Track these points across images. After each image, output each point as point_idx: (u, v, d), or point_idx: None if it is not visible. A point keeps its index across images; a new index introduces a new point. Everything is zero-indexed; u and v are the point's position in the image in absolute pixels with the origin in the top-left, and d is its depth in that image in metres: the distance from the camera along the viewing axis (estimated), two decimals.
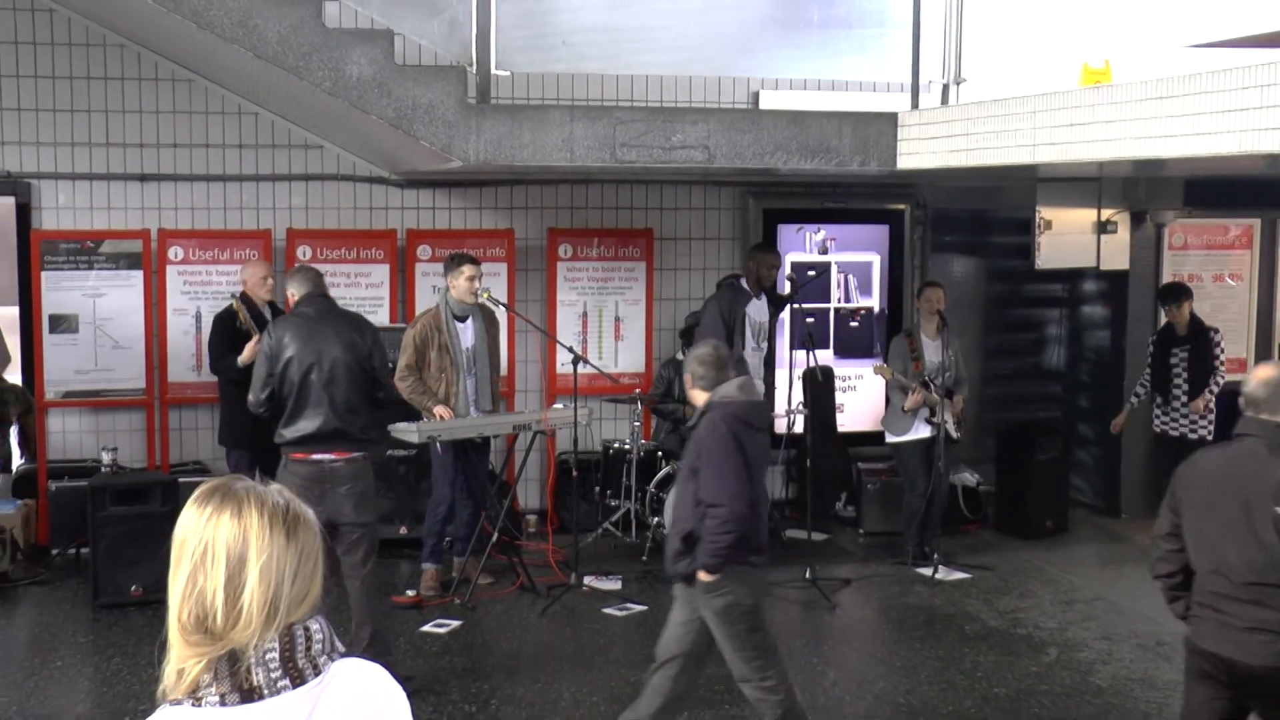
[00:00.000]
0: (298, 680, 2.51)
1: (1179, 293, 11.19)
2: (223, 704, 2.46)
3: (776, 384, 10.64)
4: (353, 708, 2.59)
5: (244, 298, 9.95)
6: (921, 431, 10.61)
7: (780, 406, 10.62)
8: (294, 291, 8.39)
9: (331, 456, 7.99)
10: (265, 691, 2.48)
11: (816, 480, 10.73)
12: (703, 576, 6.34)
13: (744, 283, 10.45)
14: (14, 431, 11.42)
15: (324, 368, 7.99)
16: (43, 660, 8.56)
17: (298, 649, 2.51)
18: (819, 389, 11.55)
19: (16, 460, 11.46)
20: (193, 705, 2.47)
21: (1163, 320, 11.39)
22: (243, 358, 9.57)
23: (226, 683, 2.46)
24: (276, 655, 2.49)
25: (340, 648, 2.64)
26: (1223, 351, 11.13)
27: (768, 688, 6.49)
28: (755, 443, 6.55)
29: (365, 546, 7.98)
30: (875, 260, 12.79)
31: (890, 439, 10.90)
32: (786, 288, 10.95)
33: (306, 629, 2.55)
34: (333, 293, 11.06)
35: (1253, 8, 7.29)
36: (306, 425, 8.00)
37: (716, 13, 9.87)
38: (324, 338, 8.06)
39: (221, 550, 2.50)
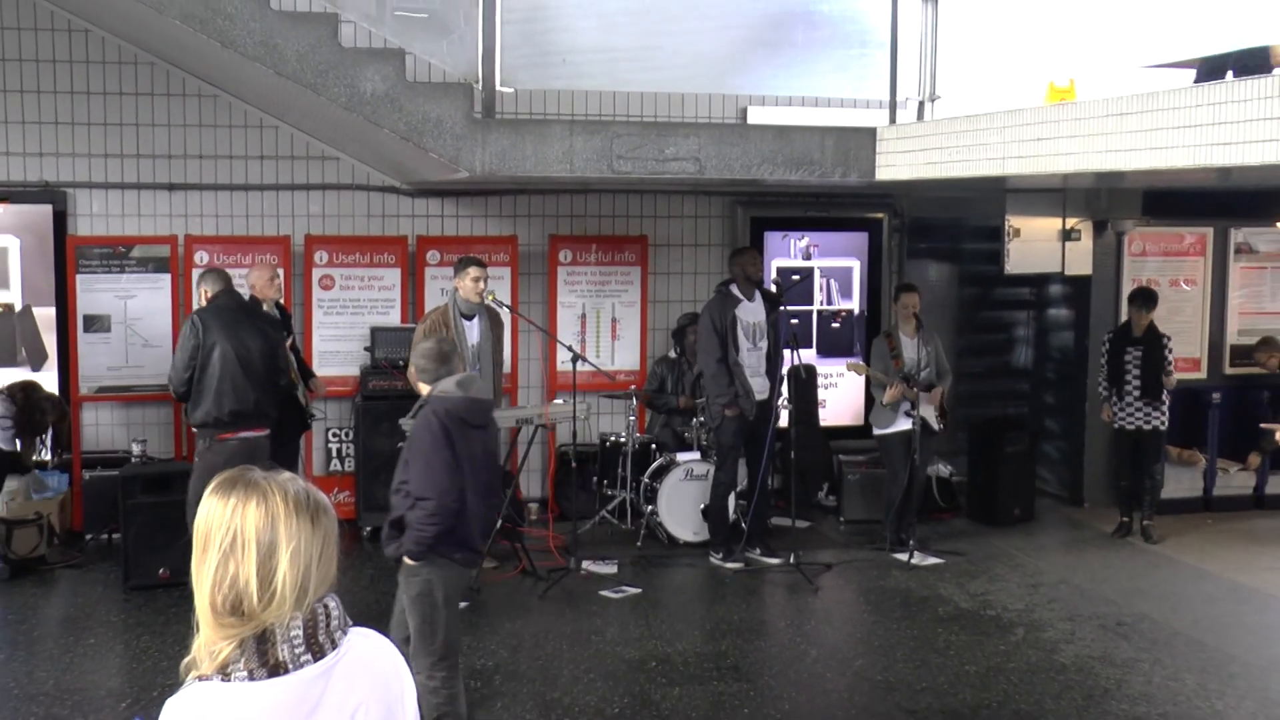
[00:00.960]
0: (319, 654, 2.54)
1: (1150, 299, 11.22)
2: (250, 679, 2.48)
3: (783, 378, 10.55)
4: (365, 676, 2.63)
5: (251, 299, 9.90)
6: (903, 425, 10.62)
7: (764, 395, 10.58)
8: (208, 289, 9.01)
9: (256, 433, 8.64)
10: (290, 666, 2.51)
11: (800, 471, 10.73)
12: (406, 560, 6.23)
13: (734, 288, 10.42)
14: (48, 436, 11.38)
15: (247, 354, 8.65)
16: (77, 638, 8.57)
17: (319, 626, 2.55)
18: (802, 386, 11.56)
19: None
20: (222, 680, 2.50)
21: (1123, 320, 11.41)
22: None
23: (254, 659, 2.49)
24: (301, 633, 2.52)
25: (349, 620, 2.67)
26: (1171, 353, 11.17)
27: (433, 686, 6.23)
28: (470, 439, 6.33)
29: None
30: (855, 265, 12.80)
31: (876, 431, 10.91)
32: (773, 289, 10.93)
33: (326, 606, 2.59)
34: (346, 295, 11.27)
35: (1205, 32, 7.31)
36: (235, 405, 8.60)
37: (707, 34, 9.87)
38: (245, 328, 8.78)
39: (252, 538, 2.52)
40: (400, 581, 6.41)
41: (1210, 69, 8.85)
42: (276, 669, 2.49)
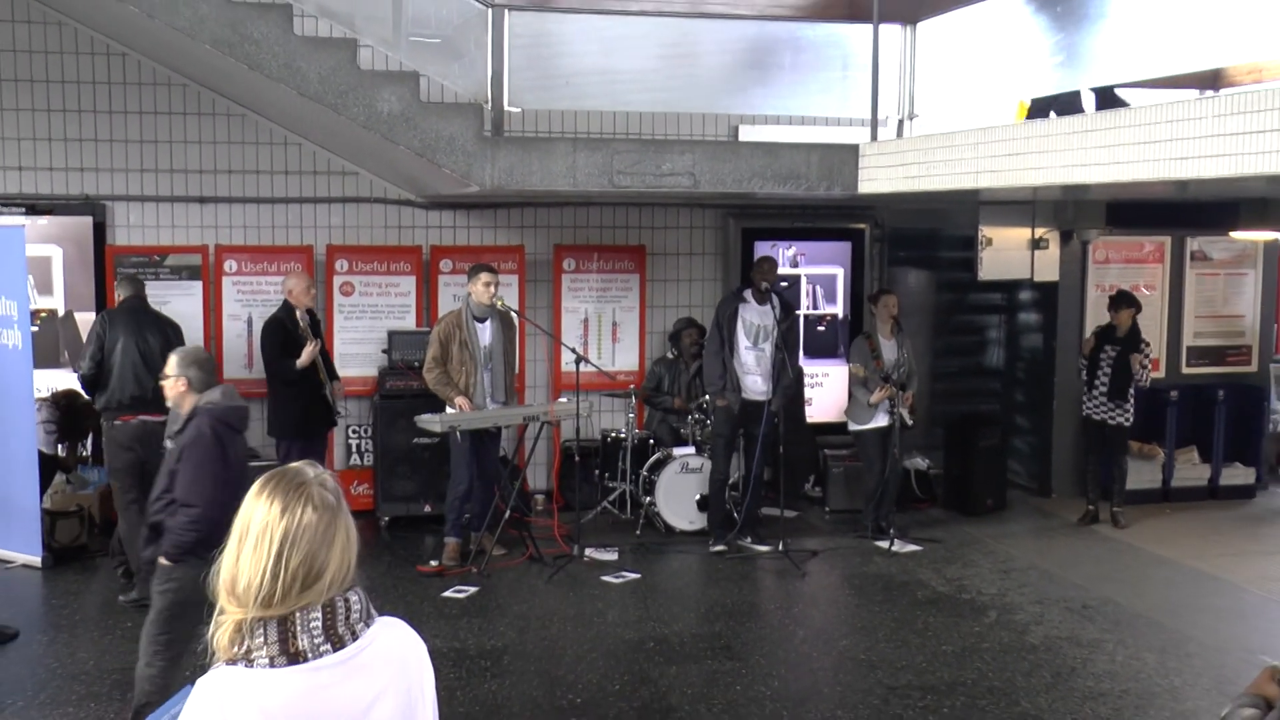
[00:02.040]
0: (338, 645, 2.53)
1: (1125, 300, 11.20)
2: (271, 665, 2.48)
3: (789, 377, 10.50)
4: (385, 665, 2.62)
5: (286, 305, 9.93)
6: (880, 421, 10.60)
7: (762, 395, 10.55)
8: (120, 293, 9.53)
9: (153, 418, 8.80)
10: (309, 655, 2.50)
11: (788, 465, 10.71)
12: (161, 561, 6.03)
13: (748, 292, 10.39)
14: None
15: (148, 349, 9.09)
16: (115, 621, 8.54)
17: (338, 618, 2.54)
18: (790, 388, 11.53)
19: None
20: (245, 666, 2.49)
21: (1107, 321, 11.38)
22: (301, 361, 9.65)
23: (275, 647, 2.48)
24: (320, 624, 2.51)
25: (375, 614, 2.65)
26: (1148, 359, 11.16)
27: (150, 674, 6.05)
28: (237, 444, 6.22)
29: None
30: (839, 273, 12.78)
31: (852, 427, 10.87)
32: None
33: (346, 600, 2.57)
34: (365, 301, 11.26)
35: (1164, 55, 7.31)
36: (135, 392, 9.04)
37: (700, 57, 9.88)
38: (147, 327, 9.25)
39: (278, 532, 2.52)
40: (154, 580, 6.18)
41: (1037, 109, 9.01)
42: (296, 657, 2.49)
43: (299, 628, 2.49)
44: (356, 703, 2.55)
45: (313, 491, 2.57)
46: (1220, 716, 3.09)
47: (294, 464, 2.69)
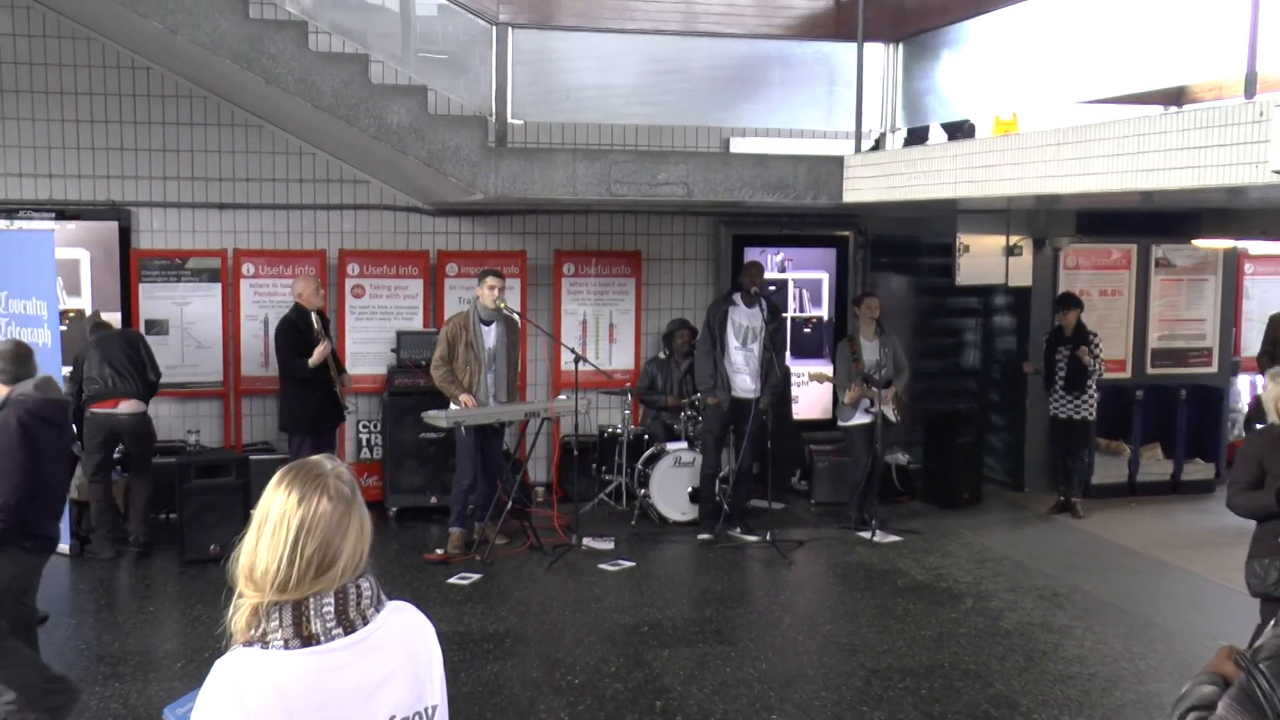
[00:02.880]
0: (349, 629, 2.53)
1: (1069, 302, 11.25)
2: (286, 647, 2.48)
3: (776, 376, 10.49)
4: (395, 648, 2.62)
5: (297, 307, 9.95)
6: (863, 418, 10.60)
7: (750, 393, 10.55)
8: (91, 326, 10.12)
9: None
10: (321, 638, 2.50)
11: (776, 459, 10.72)
12: None
13: (737, 296, 10.40)
14: None
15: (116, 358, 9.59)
16: (139, 606, 8.56)
17: (350, 603, 2.54)
18: (778, 386, 11.52)
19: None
20: (261, 648, 2.49)
21: (1056, 325, 11.42)
22: (313, 360, 9.69)
23: (290, 630, 2.48)
24: (332, 609, 2.51)
25: (385, 599, 2.66)
26: (1100, 350, 11.19)
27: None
28: (50, 438, 5.98)
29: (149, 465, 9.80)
30: (825, 277, 12.79)
31: (841, 424, 10.88)
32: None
33: (358, 587, 2.57)
34: (375, 302, 11.29)
35: (1131, 72, 7.32)
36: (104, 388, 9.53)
37: (694, 73, 9.88)
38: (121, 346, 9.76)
39: (295, 522, 2.52)
40: None
41: (951, 130, 9.18)
42: (309, 640, 2.49)
43: (312, 612, 2.49)
44: (367, 683, 2.55)
45: (329, 483, 2.57)
46: (1180, 694, 3.10)
47: (313, 457, 2.69)
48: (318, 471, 2.60)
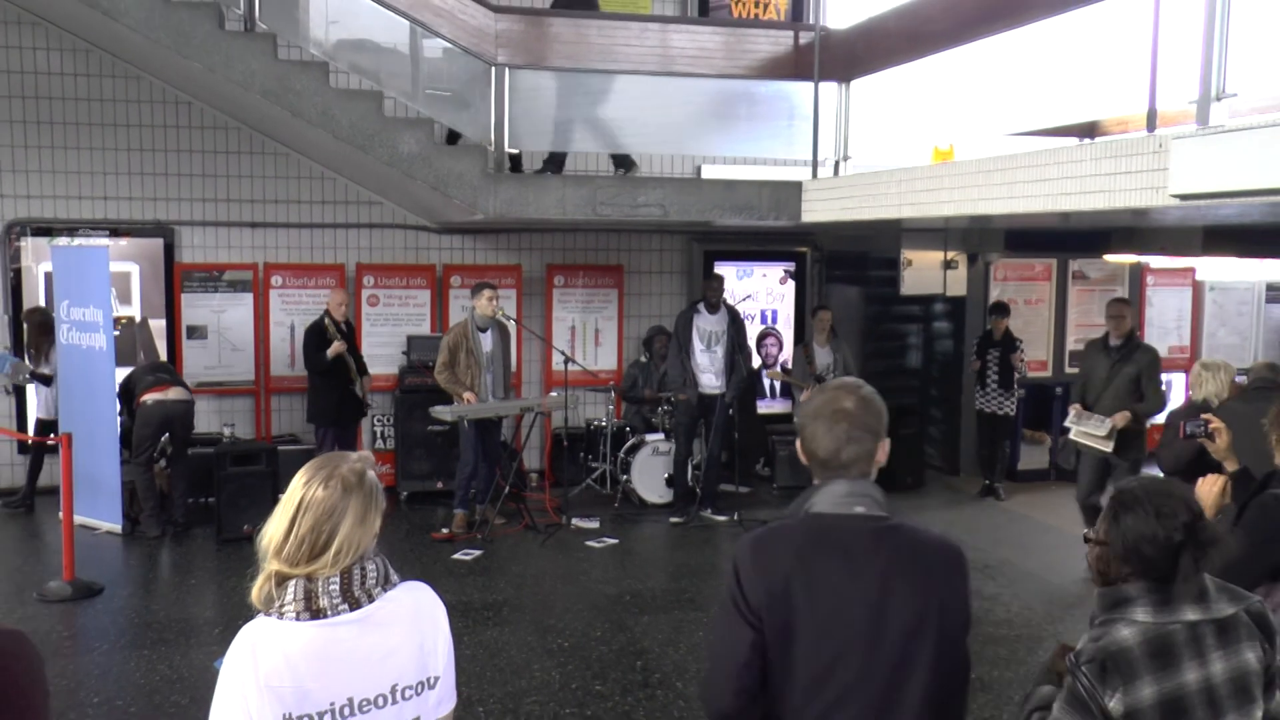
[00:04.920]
0: (355, 605, 2.53)
1: (1000, 310, 11.30)
2: (297, 618, 2.49)
3: (741, 374, 10.49)
4: (400, 625, 2.61)
5: (327, 314, 9.97)
6: None
7: (716, 390, 10.55)
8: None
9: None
10: (328, 612, 2.51)
11: (742, 448, 10.74)
12: None
13: (701, 305, 10.42)
14: None
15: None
16: (181, 579, 8.53)
17: (354, 583, 2.54)
18: (743, 383, 11.53)
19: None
20: (277, 618, 2.51)
21: (987, 329, 11.45)
22: (329, 352, 9.76)
23: (301, 604, 2.50)
24: (338, 587, 2.52)
25: (395, 578, 2.65)
26: (1024, 354, 11.25)
27: None
28: None
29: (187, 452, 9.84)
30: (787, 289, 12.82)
31: (797, 420, 10.87)
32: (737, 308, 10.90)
33: (363, 569, 2.57)
34: (388, 310, 11.26)
35: (1051, 109, 7.36)
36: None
37: (670, 108, 9.88)
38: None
39: (296, 501, 2.54)
40: None
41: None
42: (318, 613, 2.50)
43: (320, 589, 2.51)
44: (372, 654, 2.55)
45: (337, 474, 2.58)
46: (1024, 695, 3.03)
47: (344, 453, 2.70)
48: (333, 463, 2.61)
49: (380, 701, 2.56)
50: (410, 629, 2.62)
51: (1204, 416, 4.62)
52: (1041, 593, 8.36)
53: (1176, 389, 13.41)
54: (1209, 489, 3.44)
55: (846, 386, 2.92)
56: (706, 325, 10.34)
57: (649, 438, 10.90)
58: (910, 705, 2.67)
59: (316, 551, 2.52)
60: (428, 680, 2.65)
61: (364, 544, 2.57)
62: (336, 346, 9.77)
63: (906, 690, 2.67)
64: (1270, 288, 14.40)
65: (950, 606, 2.80)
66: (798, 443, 2.97)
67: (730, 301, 10.79)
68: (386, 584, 2.61)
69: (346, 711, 2.52)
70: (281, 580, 2.53)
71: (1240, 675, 2.71)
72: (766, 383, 12.59)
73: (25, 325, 10.26)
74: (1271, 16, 5.32)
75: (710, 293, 10.41)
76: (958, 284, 12.08)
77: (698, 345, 10.33)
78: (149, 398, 9.49)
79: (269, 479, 9.42)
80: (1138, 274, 13.06)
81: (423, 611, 2.67)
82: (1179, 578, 2.72)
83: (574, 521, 10.06)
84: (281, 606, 2.51)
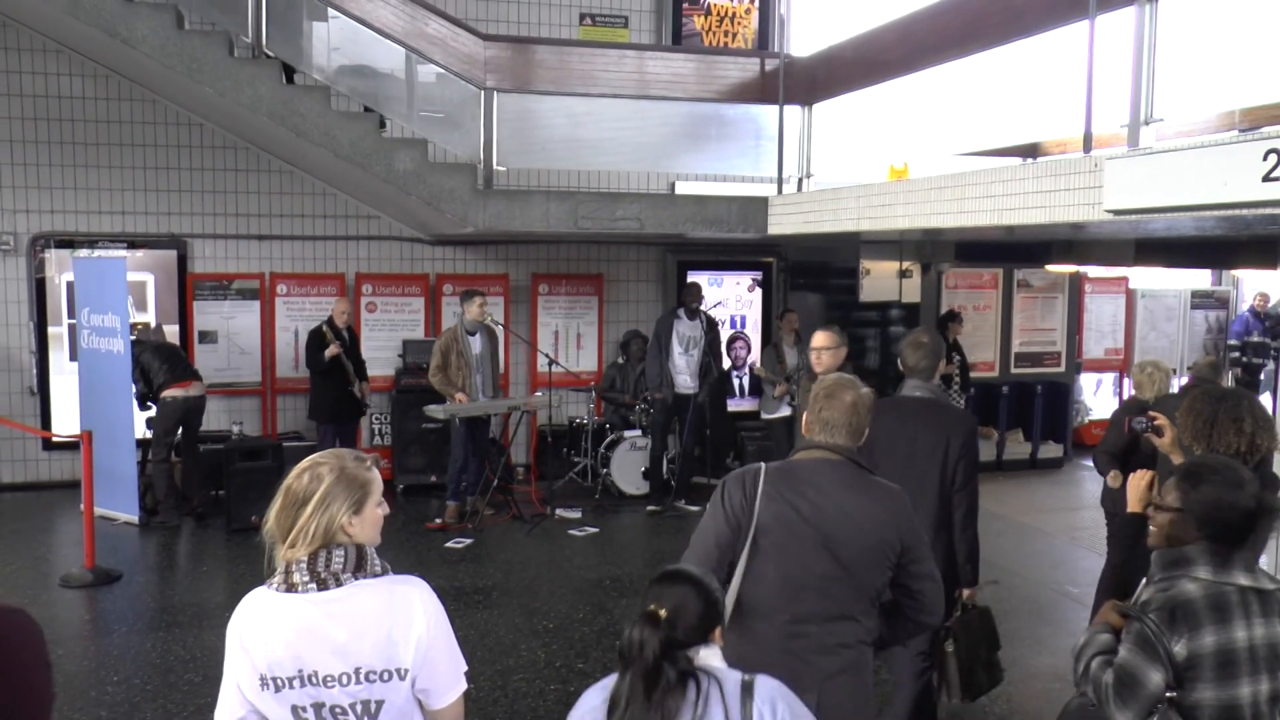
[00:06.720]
0: (321, 585, 2.59)
1: (956, 317, 11.38)
2: (276, 590, 2.62)
3: (713, 376, 10.51)
4: (371, 609, 2.61)
5: (329, 321, 9.99)
6: (784, 411, 10.64)
7: (690, 390, 10.57)
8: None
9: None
10: (300, 589, 2.60)
11: (713, 443, 10.75)
12: None
13: (680, 311, 10.44)
14: None
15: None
16: (194, 566, 8.51)
17: (319, 564, 2.60)
18: (715, 384, 11.56)
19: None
20: (268, 589, 2.64)
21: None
22: (327, 353, 9.81)
23: (282, 579, 2.62)
24: (305, 566, 2.60)
25: (378, 569, 2.67)
26: (964, 358, 11.39)
27: None
28: None
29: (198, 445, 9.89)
30: (754, 296, 12.84)
31: (764, 416, 10.92)
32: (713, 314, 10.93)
33: (329, 553, 2.62)
34: (385, 316, 11.22)
35: (997, 131, 7.41)
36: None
37: (647, 129, 9.88)
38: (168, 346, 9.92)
39: (284, 497, 2.66)
40: None
41: None
42: (292, 588, 2.61)
43: (293, 568, 2.61)
44: (336, 635, 2.58)
45: (314, 466, 2.67)
46: (1079, 643, 3.06)
47: (343, 449, 2.79)
48: (320, 459, 2.71)
49: (344, 679, 2.59)
50: (380, 618, 2.60)
51: (1150, 414, 4.65)
52: (989, 575, 8.28)
53: (1106, 389, 13.54)
54: (1138, 483, 3.47)
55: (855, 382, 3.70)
56: (686, 330, 10.38)
57: (627, 434, 10.90)
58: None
59: (285, 534, 2.63)
60: (397, 670, 2.62)
61: (326, 530, 2.62)
62: (333, 348, 9.81)
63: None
64: (1195, 295, 14.57)
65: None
66: (804, 418, 3.70)
67: (704, 309, 10.81)
68: (361, 572, 2.62)
69: (313, 681, 2.58)
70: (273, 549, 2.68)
71: (1275, 644, 2.84)
72: (736, 383, 12.62)
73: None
74: (1193, 49, 5.38)
75: (690, 298, 10.43)
76: (912, 291, 12.14)
77: (676, 348, 10.35)
78: (172, 393, 9.48)
79: (275, 473, 9.29)
80: (1076, 282, 13.16)
81: (398, 604, 2.63)
82: (1253, 541, 2.87)
83: (558, 512, 10.06)
84: (271, 579, 2.65)
